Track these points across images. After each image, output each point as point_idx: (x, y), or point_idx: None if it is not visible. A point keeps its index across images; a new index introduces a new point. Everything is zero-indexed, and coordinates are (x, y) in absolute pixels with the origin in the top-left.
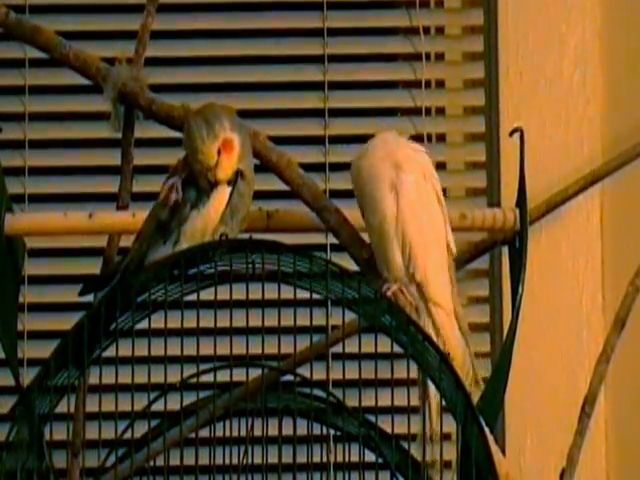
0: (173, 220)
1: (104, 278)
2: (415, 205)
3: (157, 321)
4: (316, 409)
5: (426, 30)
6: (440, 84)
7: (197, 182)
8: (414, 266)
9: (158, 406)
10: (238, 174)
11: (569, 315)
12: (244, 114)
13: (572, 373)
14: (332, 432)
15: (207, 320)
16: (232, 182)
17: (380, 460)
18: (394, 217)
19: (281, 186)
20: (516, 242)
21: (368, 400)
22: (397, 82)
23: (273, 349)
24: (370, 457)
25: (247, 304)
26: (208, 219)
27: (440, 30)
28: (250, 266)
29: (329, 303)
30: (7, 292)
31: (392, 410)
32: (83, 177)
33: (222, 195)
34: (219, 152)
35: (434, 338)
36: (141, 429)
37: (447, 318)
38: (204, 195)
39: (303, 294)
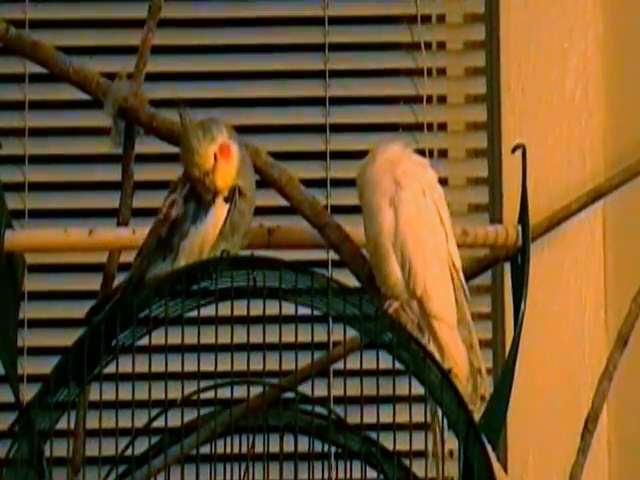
0: (174, 236)
1: (108, 299)
2: (414, 221)
3: (158, 337)
4: (317, 426)
5: (427, 45)
6: (442, 99)
7: (196, 198)
8: (414, 282)
9: (159, 423)
10: (236, 190)
11: (571, 332)
12: (245, 129)
13: (574, 390)
14: (333, 449)
15: (208, 336)
16: (230, 199)
17: (382, 477)
18: (392, 231)
19: (282, 202)
20: (518, 258)
21: (369, 417)
22: (398, 97)
23: (274, 365)
24: (372, 474)
25: (248, 320)
26: (206, 236)
27: (441, 45)
28: (251, 283)
29: (330, 320)
30: (7, 308)
31: (394, 427)
32: (83, 193)
33: (220, 212)
34: (216, 157)
35: (437, 354)
36: (142, 446)
37: (450, 332)
38: (202, 212)
39: (304, 311)
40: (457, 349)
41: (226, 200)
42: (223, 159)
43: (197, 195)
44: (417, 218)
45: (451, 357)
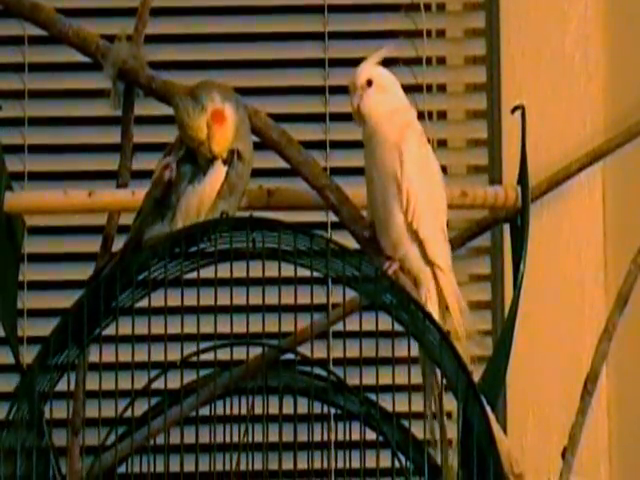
0: (171, 198)
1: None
2: (417, 163)
3: (157, 299)
4: (317, 387)
5: (427, 7)
6: (441, 61)
7: (194, 159)
8: (418, 224)
9: (158, 384)
10: (234, 153)
11: (571, 293)
12: (244, 91)
13: (574, 351)
14: (333, 410)
15: (207, 298)
16: (228, 161)
17: (381, 438)
18: (398, 174)
19: (282, 164)
20: (518, 220)
21: (369, 378)
22: (398, 59)
23: (274, 327)
24: (371, 435)
25: (248, 282)
26: (203, 196)
27: (441, 7)
28: (251, 244)
29: (329, 281)
30: (7, 270)
31: (393, 388)
32: (83, 155)
33: (218, 173)
34: (209, 125)
35: (435, 311)
36: (141, 407)
37: (447, 280)
38: (200, 172)
39: (304, 272)
40: (455, 297)
41: (224, 162)
42: (217, 125)
43: (194, 156)
44: (420, 160)
45: (449, 305)
